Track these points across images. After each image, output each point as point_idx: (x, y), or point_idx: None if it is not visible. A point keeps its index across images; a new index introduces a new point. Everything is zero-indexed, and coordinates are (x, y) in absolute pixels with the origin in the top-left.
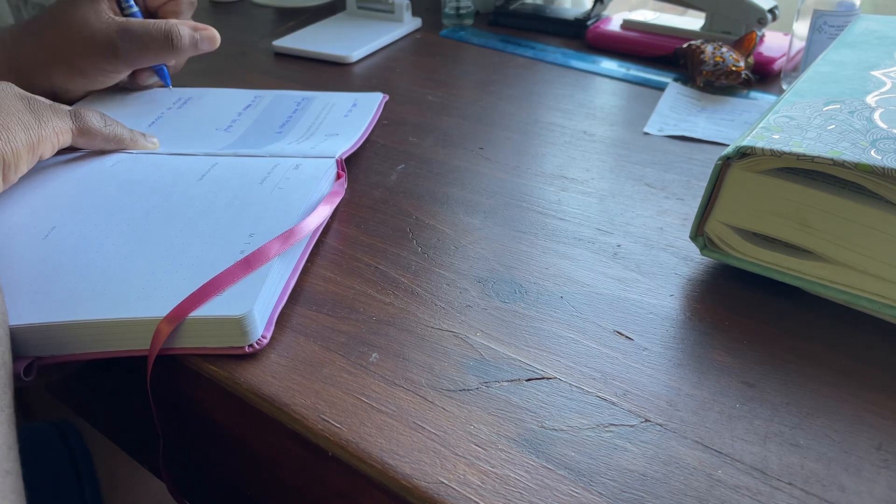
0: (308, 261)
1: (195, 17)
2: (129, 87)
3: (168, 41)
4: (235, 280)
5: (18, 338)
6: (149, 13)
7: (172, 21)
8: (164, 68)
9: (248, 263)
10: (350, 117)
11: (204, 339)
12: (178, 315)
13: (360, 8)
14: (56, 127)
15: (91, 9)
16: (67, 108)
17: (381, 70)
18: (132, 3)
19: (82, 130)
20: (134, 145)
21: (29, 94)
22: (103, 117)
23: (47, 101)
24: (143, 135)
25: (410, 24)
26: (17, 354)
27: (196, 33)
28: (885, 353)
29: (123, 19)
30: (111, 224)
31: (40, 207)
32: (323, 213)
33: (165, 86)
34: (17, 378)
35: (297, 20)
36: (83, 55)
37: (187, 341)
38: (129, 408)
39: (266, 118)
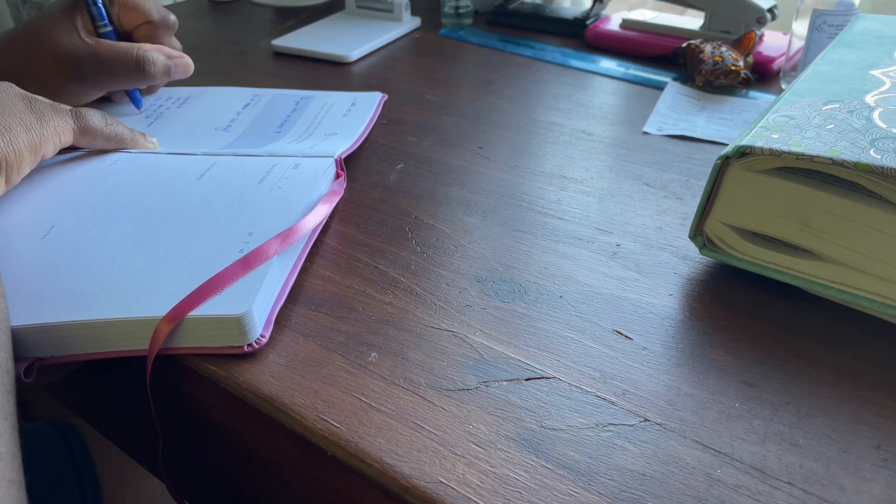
0: (307, 260)
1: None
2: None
3: (139, 69)
4: (234, 279)
5: (18, 338)
6: (124, 34)
7: (146, 47)
8: (137, 92)
9: (247, 262)
10: (349, 117)
11: (203, 339)
12: (177, 314)
13: (359, 7)
14: (58, 126)
15: (64, 29)
16: (68, 107)
17: (380, 69)
18: (106, 21)
19: (84, 130)
20: (134, 144)
21: (30, 95)
22: (104, 116)
23: (48, 101)
24: (143, 134)
25: (409, 23)
26: (17, 356)
27: (170, 61)
28: (884, 353)
29: (94, 42)
30: (110, 223)
31: (39, 207)
32: (322, 213)
33: (136, 108)
34: (17, 380)
35: (296, 19)
36: (52, 76)
37: (186, 341)
38: (129, 408)
39: (265, 117)
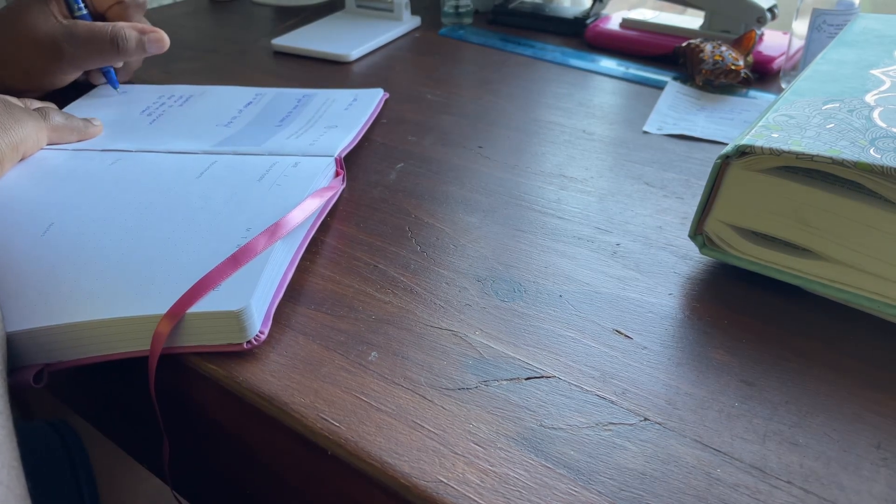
0: (307, 259)
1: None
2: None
3: (114, 44)
4: (225, 277)
5: (21, 343)
6: (97, 16)
7: (120, 24)
8: (111, 70)
9: (236, 259)
10: (350, 111)
11: (202, 337)
12: (177, 311)
13: (359, 6)
14: (35, 126)
15: (39, 13)
16: (33, 108)
17: (380, 69)
18: (81, 5)
19: (53, 128)
20: (87, 131)
21: (3, 97)
22: (61, 112)
23: (20, 105)
24: (88, 120)
25: (409, 22)
26: (22, 361)
27: (143, 36)
28: (884, 352)
29: (70, 22)
30: (109, 221)
31: (38, 204)
32: (311, 206)
33: (113, 88)
34: (27, 386)
35: (296, 19)
36: (30, 58)
37: (186, 339)
38: (129, 407)
39: (266, 115)
